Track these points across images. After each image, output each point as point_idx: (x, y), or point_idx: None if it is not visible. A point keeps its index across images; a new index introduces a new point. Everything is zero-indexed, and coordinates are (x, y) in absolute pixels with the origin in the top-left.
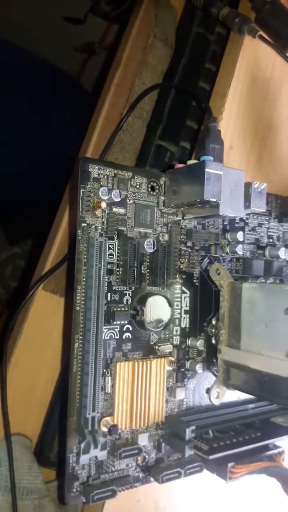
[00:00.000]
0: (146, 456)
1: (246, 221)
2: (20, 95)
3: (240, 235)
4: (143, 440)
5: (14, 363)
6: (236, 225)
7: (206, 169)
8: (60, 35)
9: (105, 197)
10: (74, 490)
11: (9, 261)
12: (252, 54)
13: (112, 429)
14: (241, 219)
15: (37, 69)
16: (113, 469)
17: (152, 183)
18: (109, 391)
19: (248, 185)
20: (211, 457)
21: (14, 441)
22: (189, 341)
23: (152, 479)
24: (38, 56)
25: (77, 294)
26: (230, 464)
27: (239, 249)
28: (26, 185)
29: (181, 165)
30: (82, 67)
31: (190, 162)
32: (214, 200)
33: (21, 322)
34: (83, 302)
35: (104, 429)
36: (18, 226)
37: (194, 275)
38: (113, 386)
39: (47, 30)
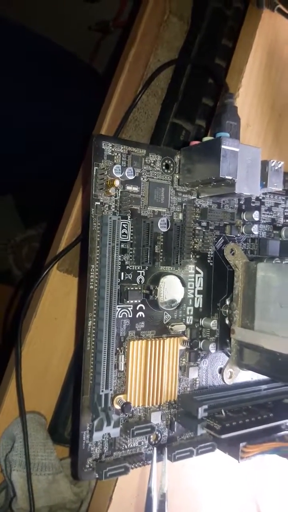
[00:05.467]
0: (159, 435)
1: (262, 200)
2: (30, 76)
3: (256, 215)
4: (156, 419)
5: (28, 342)
6: (252, 204)
7: (222, 146)
8: (75, 14)
9: (119, 175)
10: (87, 466)
11: (25, 243)
12: (271, 28)
13: (125, 406)
14: (257, 198)
15: (45, 52)
16: (125, 446)
17: (166, 161)
18: (122, 369)
19: (264, 163)
20: (223, 436)
21: (29, 419)
22: (202, 321)
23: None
24: (46, 37)
25: (91, 273)
26: (242, 444)
27: (255, 229)
28: (40, 164)
29: (196, 142)
30: (96, 47)
31: (206, 138)
32: (230, 177)
33: (36, 302)
34: (96, 280)
35: (117, 407)
36: (33, 209)
37: (208, 255)
38: (126, 364)
39: (60, 10)
